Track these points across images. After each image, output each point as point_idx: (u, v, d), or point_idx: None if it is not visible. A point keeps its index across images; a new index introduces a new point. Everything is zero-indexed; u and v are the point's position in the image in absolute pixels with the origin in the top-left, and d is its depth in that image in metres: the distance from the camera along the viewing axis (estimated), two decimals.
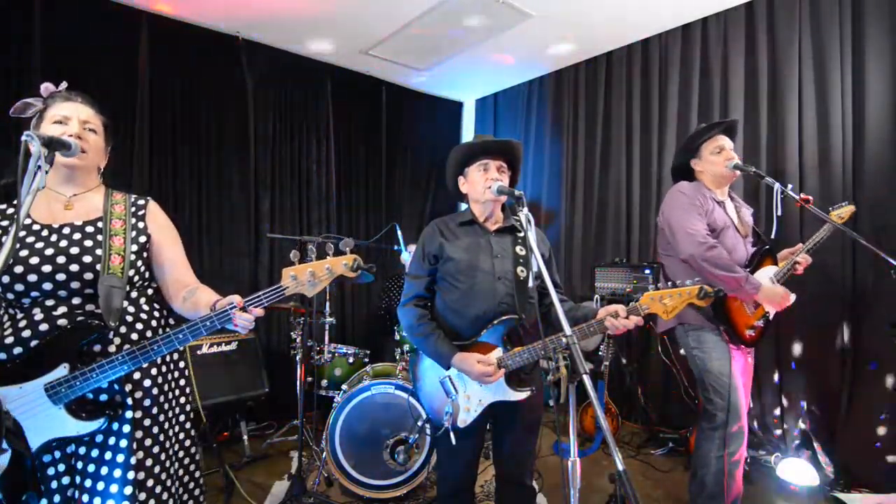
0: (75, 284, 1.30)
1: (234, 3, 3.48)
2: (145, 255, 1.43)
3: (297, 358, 2.97)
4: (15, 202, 1.37)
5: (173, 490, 1.41)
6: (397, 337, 3.28)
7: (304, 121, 4.36)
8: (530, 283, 1.50)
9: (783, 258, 2.35)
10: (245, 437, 3.27)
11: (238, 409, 3.33)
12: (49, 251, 1.30)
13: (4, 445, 1.18)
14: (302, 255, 1.29)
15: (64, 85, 1.40)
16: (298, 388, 2.83)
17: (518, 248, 1.82)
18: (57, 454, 1.28)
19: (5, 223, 1.34)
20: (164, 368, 1.43)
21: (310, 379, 3.22)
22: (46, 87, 1.37)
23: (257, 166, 4.09)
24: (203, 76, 3.80)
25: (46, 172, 1.11)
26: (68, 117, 1.33)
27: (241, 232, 4.01)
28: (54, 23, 3.19)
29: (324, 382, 3.29)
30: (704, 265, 2.09)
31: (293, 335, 3.38)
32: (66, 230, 1.34)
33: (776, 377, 3.16)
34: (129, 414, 1.30)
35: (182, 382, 1.51)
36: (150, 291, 1.46)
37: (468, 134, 5.60)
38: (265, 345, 3.93)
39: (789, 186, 2.30)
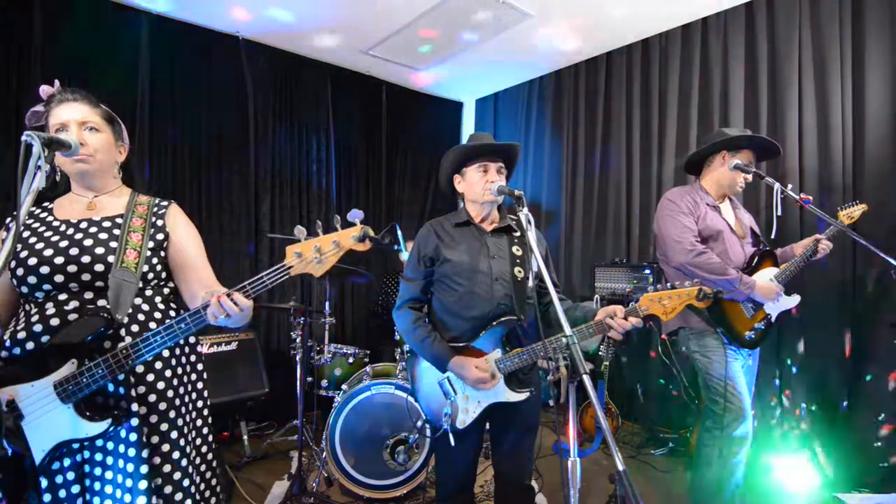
0: (86, 276, 1.28)
1: (235, 2, 3.48)
2: (162, 253, 1.41)
3: (297, 358, 2.97)
4: (44, 203, 1.39)
5: (197, 497, 1.38)
6: (397, 337, 3.28)
7: (304, 121, 4.37)
8: (530, 283, 1.49)
9: (800, 246, 2.32)
10: (245, 437, 3.27)
11: (238, 409, 3.32)
12: (64, 243, 1.30)
13: (5, 445, 1.17)
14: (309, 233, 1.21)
15: (57, 84, 1.38)
16: (298, 388, 2.83)
17: (514, 249, 1.80)
18: (66, 461, 1.24)
19: (34, 224, 1.36)
20: (179, 371, 1.39)
21: (310, 379, 3.22)
22: (44, 90, 1.36)
23: (257, 166, 4.09)
24: (203, 76, 3.81)
25: (47, 173, 1.11)
26: (66, 124, 1.31)
27: (241, 232, 4.01)
28: (54, 23, 3.20)
29: (324, 382, 3.29)
30: (696, 271, 2.12)
31: (293, 335, 3.38)
32: (84, 224, 1.35)
33: (776, 377, 3.16)
34: (134, 421, 1.25)
35: (200, 385, 1.47)
36: (165, 291, 1.44)
37: (468, 134, 5.59)
38: (265, 345, 3.93)
39: (789, 186, 2.31)
